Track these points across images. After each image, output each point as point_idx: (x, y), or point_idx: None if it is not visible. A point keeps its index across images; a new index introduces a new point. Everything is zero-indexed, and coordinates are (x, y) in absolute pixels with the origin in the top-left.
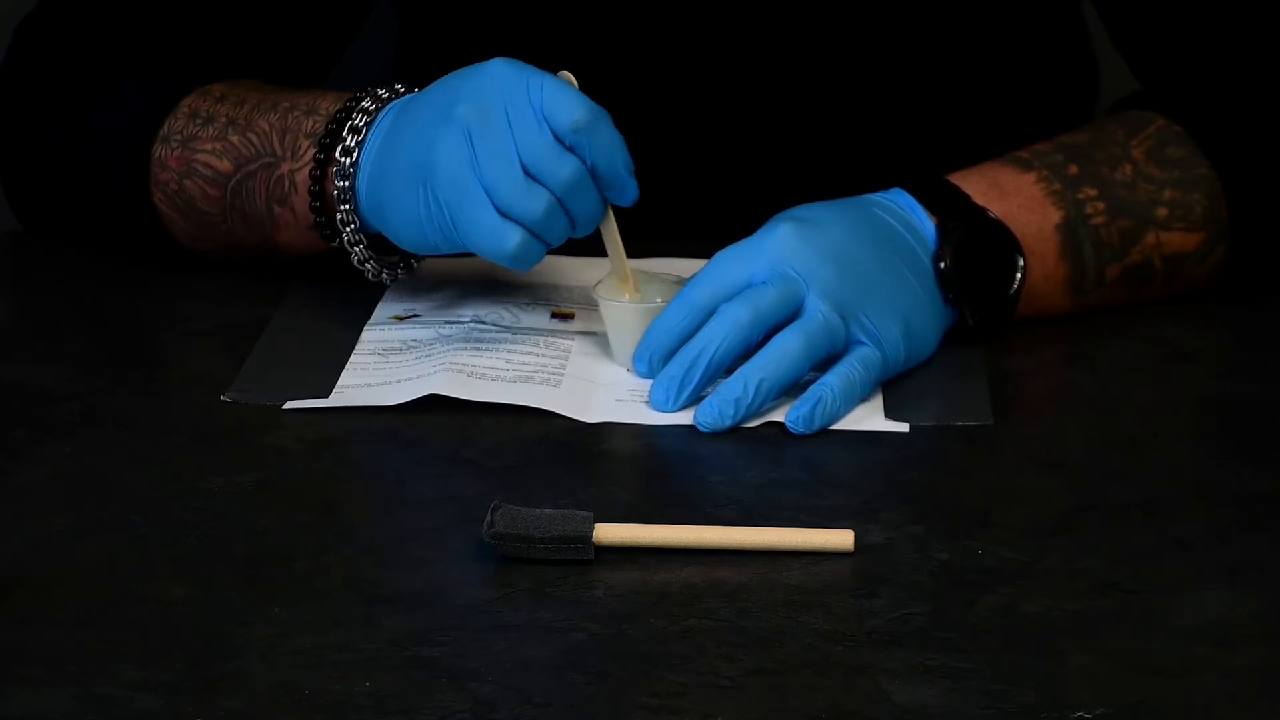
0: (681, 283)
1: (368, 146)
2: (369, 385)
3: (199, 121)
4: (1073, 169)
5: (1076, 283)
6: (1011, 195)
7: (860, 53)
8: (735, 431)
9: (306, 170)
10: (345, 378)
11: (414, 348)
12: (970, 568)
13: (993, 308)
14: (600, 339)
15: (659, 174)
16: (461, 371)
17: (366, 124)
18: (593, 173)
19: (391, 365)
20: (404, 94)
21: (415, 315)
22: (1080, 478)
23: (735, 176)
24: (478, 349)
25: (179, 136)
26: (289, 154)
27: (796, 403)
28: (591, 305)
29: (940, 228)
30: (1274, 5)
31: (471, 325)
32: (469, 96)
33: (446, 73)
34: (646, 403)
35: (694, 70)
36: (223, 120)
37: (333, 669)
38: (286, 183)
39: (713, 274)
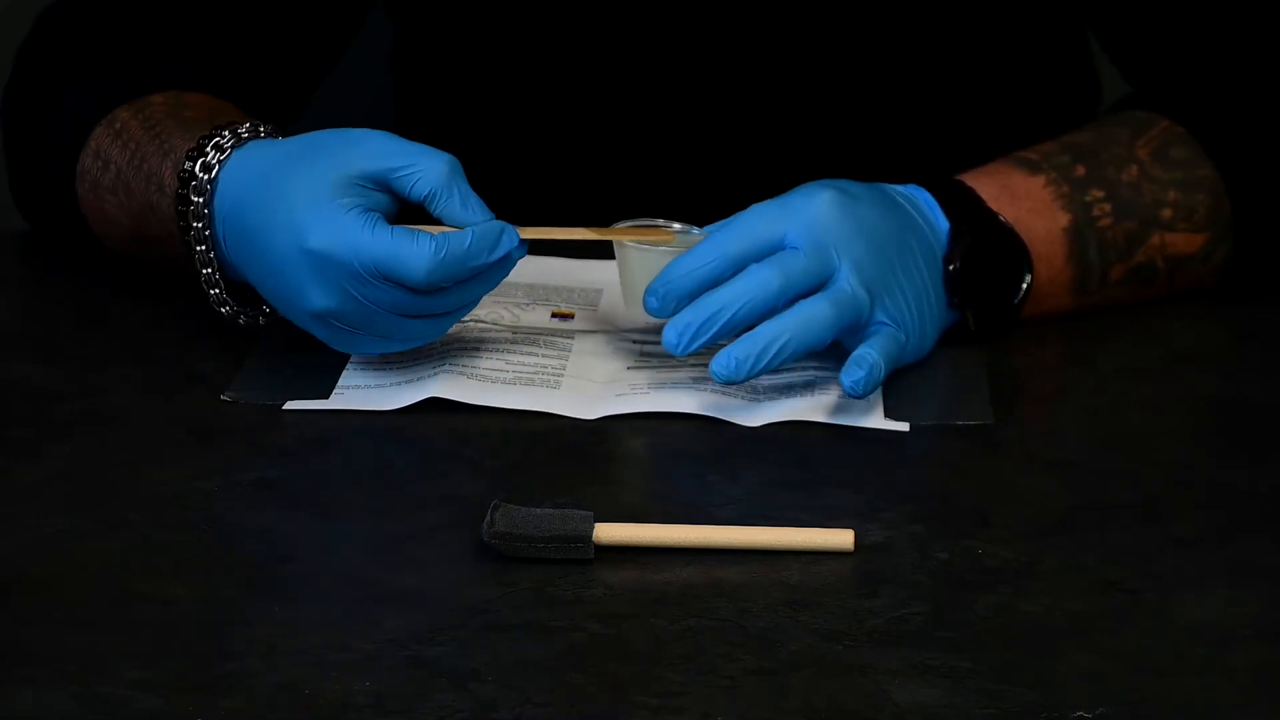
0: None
1: (221, 238)
2: (369, 386)
3: (100, 164)
4: (1079, 170)
5: (1081, 284)
6: (1022, 199)
7: (863, 53)
8: (735, 430)
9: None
10: (345, 378)
11: (414, 347)
12: (970, 568)
13: (996, 314)
14: (601, 337)
15: (660, 172)
16: (461, 373)
17: (200, 218)
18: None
19: (392, 365)
20: (226, 152)
21: None
22: (1080, 478)
23: (736, 174)
24: (478, 349)
25: (89, 179)
26: (163, 233)
27: (848, 367)
28: (591, 305)
29: (953, 231)
30: (1270, 5)
31: (471, 325)
32: (316, 287)
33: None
34: (647, 394)
35: (695, 68)
36: (113, 171)
37: (333, 669)
38: (179, 257)
39: (745, 225)
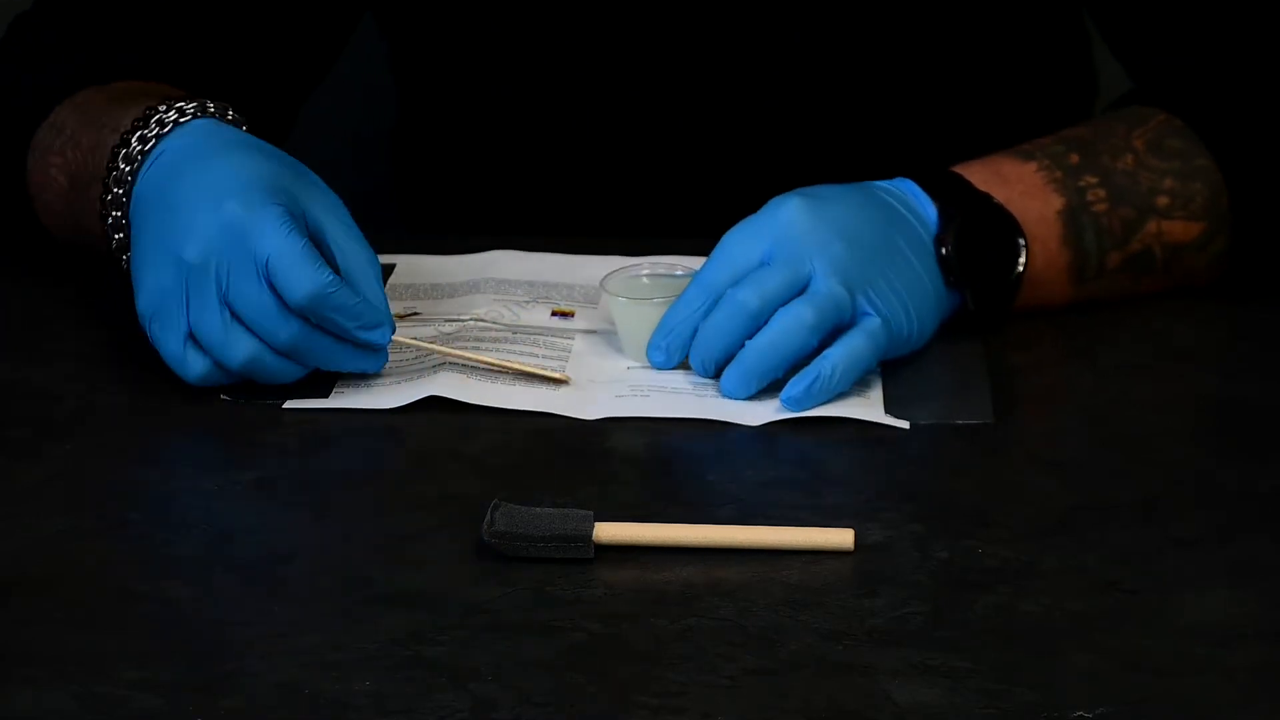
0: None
1: (145, 177)
2: (369, 385)
3: (54, 132)
4: (1074, 158)
5: (1078, 270)
6: (1013, 183)
7: (862, 55)
8: (735, 430)
9: (99, 193)
10: (345, 377)
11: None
12: (970, 567)
13: (995, 292)
14: (601, 336)
15: (660, 175)
16: (461, 372)
17: (141, 154)
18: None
19: (391, 364)
20: (186, 119)
21: (415, 313)
22: (1080, 477)
23: (735, 176)
24: (478, 348)
25: (40, 147)
26: (96, 174)
27: (792, 381)
28: (592, 303)
29: (942, 213)
30: (1272, 5)
31: (471, 323)
32: (200, 238)
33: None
34: (647, 397)
35: (693, 72)
36: (67, 133)
37: (333, 669)
38: (95, 207)
39: (725, 256)
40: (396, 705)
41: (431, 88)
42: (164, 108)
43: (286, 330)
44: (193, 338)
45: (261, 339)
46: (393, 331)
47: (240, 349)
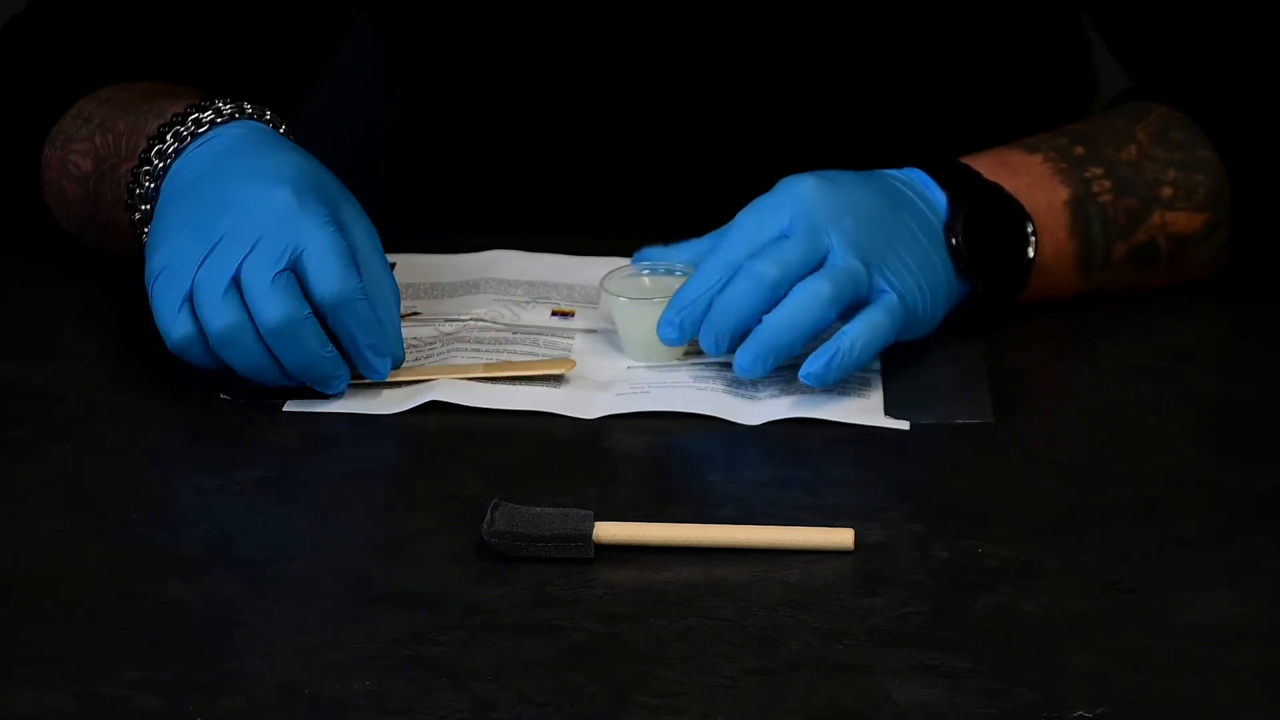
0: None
1: (191, 154)
2: (370, 390)
3: (79, 122)
4: (1078, 150)
5: (1085, 260)
6: (1020, 173)
7: (860, 55)
8: (735, 430)
9: (130, 167)
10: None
11: (414, 347)
12: (970, 567)
13: (1005, 279)
14: (601, 336)
15: (658, 173)
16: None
17: (192, 134)
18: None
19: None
20: (244, 117)
21: (415, 313)
22: (1080, 477)
23: (734, 176)
24: (478, 349)
25: (61, 137)
26: (129, 154)
27: (811, 356)
28: (591, 303)
29: (951, 201)
30: (1271, 5)
31: (471, 323)
32: (233, 214)
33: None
34: (648, 393)
35: (691, 72)
36: (96, 122)
37: (333, 669)
38: (122, 182)
39: (741, 232)
40: (396, 705)
41: (429, 89)
42: (222, 102)
43: (277, 310)
44: (190, 303)
45: (251, 316)
46: (393, 368)
47: (226, 314)
